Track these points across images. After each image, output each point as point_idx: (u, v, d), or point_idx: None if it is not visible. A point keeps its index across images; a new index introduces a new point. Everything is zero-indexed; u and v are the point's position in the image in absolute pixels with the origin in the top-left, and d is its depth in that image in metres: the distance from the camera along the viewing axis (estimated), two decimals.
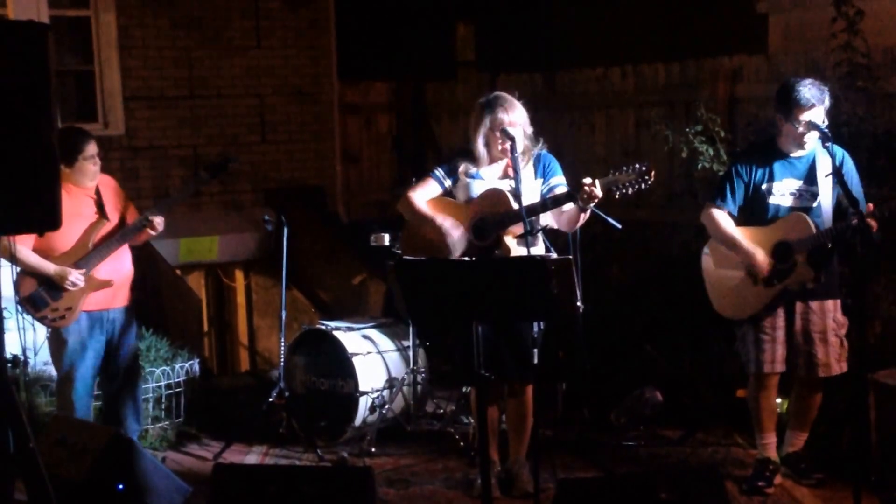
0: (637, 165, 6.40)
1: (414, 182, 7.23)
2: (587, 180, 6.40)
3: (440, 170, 7.05)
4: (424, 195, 7.02)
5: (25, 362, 7.84)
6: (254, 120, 11.99)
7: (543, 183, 6.90)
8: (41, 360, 8.36)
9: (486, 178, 6.93)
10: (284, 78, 12.16)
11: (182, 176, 11.30)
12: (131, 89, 11.24)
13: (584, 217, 6.67)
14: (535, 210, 6.64)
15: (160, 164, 11.21)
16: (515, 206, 6.63)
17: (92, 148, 7.39)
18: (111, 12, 11.07)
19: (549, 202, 6.65)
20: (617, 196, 6.48)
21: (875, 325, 7.91)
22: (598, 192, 6.39)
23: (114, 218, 7.51)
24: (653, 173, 6.39)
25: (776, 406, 7.11)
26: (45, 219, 4.98)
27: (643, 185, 6.42)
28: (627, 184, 6.42)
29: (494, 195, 6.81)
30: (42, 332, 7.69)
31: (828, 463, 7.14)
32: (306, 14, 12.26)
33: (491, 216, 6.77)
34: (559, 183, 6.92)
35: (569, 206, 6.64)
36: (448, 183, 7.01)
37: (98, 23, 11.12)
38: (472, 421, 8.05)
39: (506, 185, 6.83)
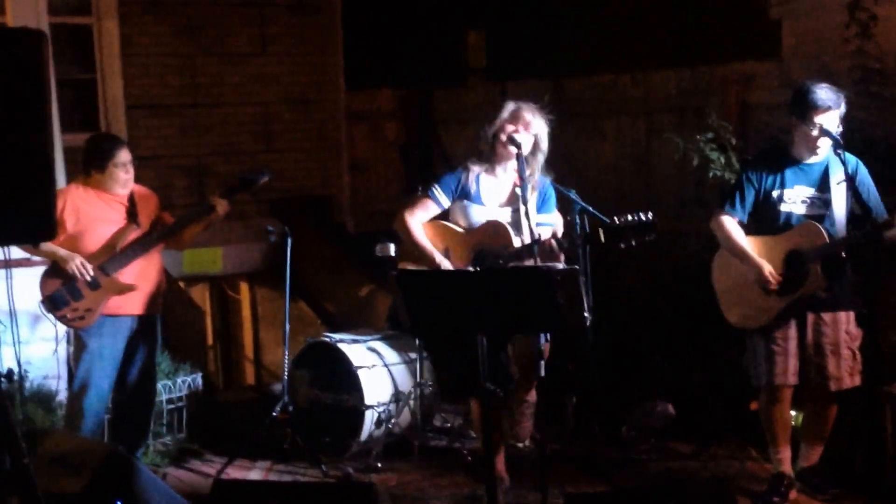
0: (641, 216, 6.32)
1: (414, 198, 7.15)
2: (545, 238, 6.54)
3: (439, 188, 6.97)
4: (422, 217, 6.95)
5: (22, 377, 7.82)
6: (258, 128, 11.93)
7: (537, 214, 6.84)
8: (40, 375, 8.28)
9: (487, 203, 6.84)
10: (289, 86, 12.09)
11: (185, 185, 11.24)
12: (133, 98, 11.18)
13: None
14: (521, 255, 6.59)
15: (163, 174, 11.13)
16: (516, 241, 6.66)
17: (123, 155, 7.44)
18: (113, 20, 11.01)
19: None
20: (622, 247, 6.42)
21: (890, 335, 7.77)
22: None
23: (145, 226, 7.53)
24: (657, 227, 6.32)
25: (790, 419, 7.00)
26: (40, 230, 4.89)
27: (647, 238, 6.35)
28: (630, 235, 6.35)
29: (495, 228, 6.76)
30: (41, 347, 7.64)
31: (843, 478, 7.02)
32: (312, 20, 12.19)
33: (491, 250, 6.71)
34: (546, 222, 6.91)
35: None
36: (447, 203, 6.93)
37: (100, 31, 11.08)
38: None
39: (507, 216, 6.75)
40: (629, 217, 6.37)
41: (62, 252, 7.25)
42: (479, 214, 6.84)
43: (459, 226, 6.91)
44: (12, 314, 6.88)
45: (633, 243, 6.39)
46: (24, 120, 4.62)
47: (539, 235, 6.54)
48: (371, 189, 12.78)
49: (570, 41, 11.58)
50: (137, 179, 7.62)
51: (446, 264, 6.83)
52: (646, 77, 10.43)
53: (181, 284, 10.43)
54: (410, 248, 7.06)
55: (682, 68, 10.14)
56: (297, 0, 12.09)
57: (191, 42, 11.46)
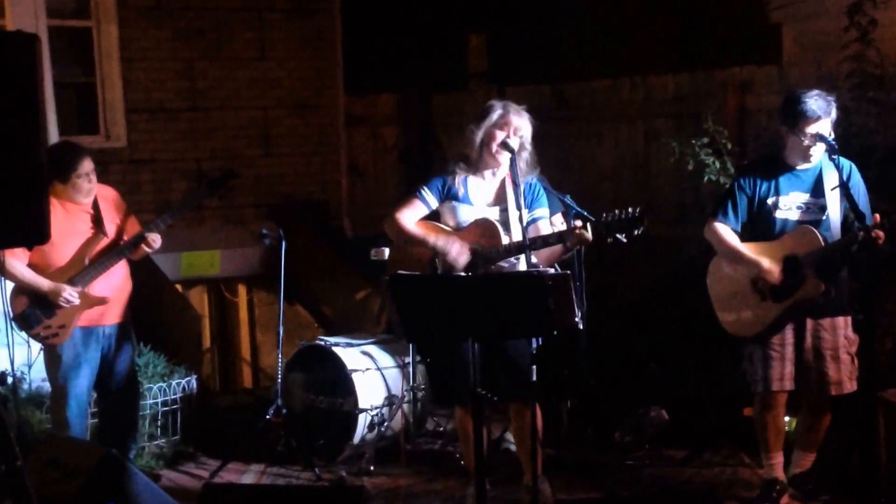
0: (630, 210, 6.23)
1: (402, 200, 7.08)
2: (578, 223, 6.31)
3: (427, 190, 6.86)
4: (411, 216, 6.86)
5: (16, 378, 7.78)
6: (257, 133, 11.91)
7: (529, 212, 6.74)
8: (39, 377, 8.26)
9: (475, 202, 6.78)
10: (288, 90, 12.07)
11: (184, 189, 11.23)
12: (133, 101, 11.17)
13: (566, 256, 6.56)
14: (522, 248, 6.47)
15: (162, 177, 11.13)
16: (505, 240, 6.56)
17: (86, 165, 7.25)
18: (113, 23, 11.01)
19: (539, 242, 6.48)
20: (609, 241, 6.33)
21: (886, 341, 7.75)
22: (589, 236, 6.27)
23: (111, 233, 7.39)
24: (646, 221, 6.24)
25: (784, 425, 6.97)
26: (32, 233, 4.88)
27: (636, 233, 6.25)
28: (619, 229, 6.27)
29: (486, 227, 6.67)
30: (37, 347, 7.60)
31: (836, 484, 6.99)
32: (311, 25, 12.17)
33: (482, 249, 6.64)
34: (541, 216, 6.79)
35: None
36: (435, 204, 6.86)
37: (99, 34, 11.08)
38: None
39: (495, 215, 6.70)
40: (616, 212, 6.30)
41: (46, 286, 7.14)
42: (468, 214, 6.76)
43: (448, 226, 6.85)
44: (6, 317, 6.89)
45: (623, 239, 6.30)
46: (16, 123, 4.62)
47: (528, 239, 6.50)
48: (369, 193, 12.78)
49: (570, 46, 11.59)
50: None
51: (441, 244, 6.74)
52: (645, 82, 10.42)
53: (178, 287, 10.41)
54: (403, 244, 6.97)
55: (680, 73, 10.13)
56: (296, 4, 12.08)
57: (190, 46, 11.45)
